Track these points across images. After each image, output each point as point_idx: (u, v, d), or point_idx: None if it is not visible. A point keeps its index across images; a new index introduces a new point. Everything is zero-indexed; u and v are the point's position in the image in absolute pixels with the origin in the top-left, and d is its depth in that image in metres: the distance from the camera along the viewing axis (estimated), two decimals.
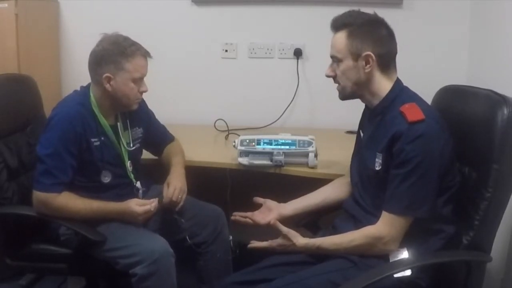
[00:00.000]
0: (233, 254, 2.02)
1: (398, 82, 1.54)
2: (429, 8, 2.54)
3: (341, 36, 1.51)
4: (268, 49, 2.70)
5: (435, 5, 2.54)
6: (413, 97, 1.51)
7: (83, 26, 2.76)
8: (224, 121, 2.50)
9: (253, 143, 1.97)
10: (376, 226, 1.46)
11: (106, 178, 1.82)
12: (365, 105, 1.64)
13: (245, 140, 1.98)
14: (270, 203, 1.81)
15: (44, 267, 1.89)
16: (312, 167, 1.94)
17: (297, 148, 1.94)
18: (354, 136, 2.47)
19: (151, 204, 1.76)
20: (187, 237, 1.91)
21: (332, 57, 1.56)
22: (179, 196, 1.84)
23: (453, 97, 1.64)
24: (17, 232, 1.86)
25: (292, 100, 2.69)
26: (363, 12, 1.53)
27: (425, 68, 2.54)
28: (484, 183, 1.41)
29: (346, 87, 1.55)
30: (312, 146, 1.93)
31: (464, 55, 2.52)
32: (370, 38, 1.48)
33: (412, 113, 1.42)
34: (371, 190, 1.56)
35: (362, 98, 1.58)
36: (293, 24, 2.67)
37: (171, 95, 2.72)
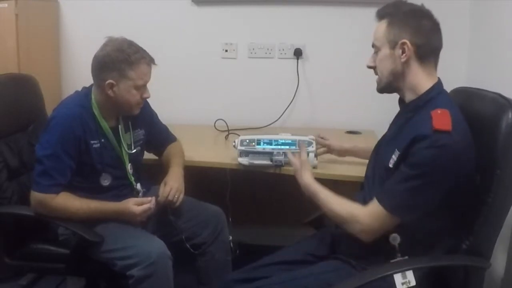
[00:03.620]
0: (232, 254, 2.02)
1: (438, 84, 1.49)
2: (429, 8, 2.52)
3: (382, 24, 1.49)
4: (268, 49, 2.70)
5: (435, 5, 2.52)
6: (449, 105, 1.42)
7: (83, 26, 2.77)
8: (224, 121, 2.50)
9: (253, 143, 1.96)
10: (363, 211, 1.44)
11: (106, 181, 1.81)
12: (399, 100, 1.58)
13: (245, 140, 1.98)
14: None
15: (43, 266, 1.89)
16: (312, 167, 1.94)
17: (297, 148, 1.94)
18: (354, 136, 2.49)
19: (148, 203, 1.76)
20: (184, 239, 1.90)
21: (373, 46, 1.54)
22: (175, 196, 1.84)
23: (462, 99, 1.60)
24: (16, 231, 1.86)
25: (292, 100, 2.69)
26: (409, 3, 1.51)
27: None
28: (485, 188, 1.38)
29: (382, 77, 1.51)
30: (312, 146, 1.93)
31: (464, 55, 2.52)
32: (409, 26, 1.44)
33: (441, 120, 1.35)
34: (378, 188, 1.51)
35: (399, 91, 1.53)
36: (293, 24, 2.67)
37: (171, 95, 2.71)
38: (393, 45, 1.46)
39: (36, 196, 1.70)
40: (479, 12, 2.41)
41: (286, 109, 2.70)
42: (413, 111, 1.47)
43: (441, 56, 2.52)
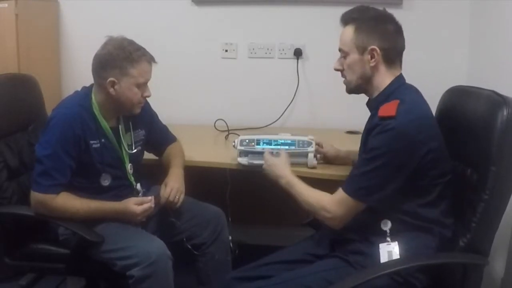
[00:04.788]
0: (232, 254, 2.02)
1: (398, 78, 1.55)
2: (429, 8, 2.54)
3: (349, 30, 1.54)
4: (268, 49, 2.70)
5: (435, 5, 2.54)
6: (404, 95, 1.49)
7: (83, 26, 2.77)
8: (224, 121, 2.50)
9: (253, 143, 1.96)
10: (330, 198, 1.51)
11: (106, 181, 1.81)
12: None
13: (245, 140, 1.97)
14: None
15: (43, 266, 1.89)
16: (312, 167, 1.94)
17: (297, 148, 1.94)
18: (354, 136, 2.48)
19: (149, 202, 1.76)
20: (184, 240, 1.91)
21: (340, 50, 1.58)
22: (176, 197, 1.84)
23: (457, 97, 1.63)
24: (16, 231, 1.86)
25: (292, 100, 2.69)
26: (372, 8, 1.56)
27: (425, 68, 2.54)
28: (482, 185, 1.40)
29: (351, 80, 1.57)
30: (312, 146, 1.93)
31: (464, 55, 2.52)
32: (376, 32, 1.50)
33: (385, 109, 1.45)
34: None
35: (366, 92, 1.59)
36: (293, 24, 2.67)
37: (171, 95, 2.71)
38: (362, 51, 1.52)
39: (36, 196, 1.70)
40: (479, 12, 2.42)
41: (286, 109, 2.70)
42: (375, 107, 1.54)
43: (442, 55, 2.56)
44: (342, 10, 1.59)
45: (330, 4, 2.56)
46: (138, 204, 1.76)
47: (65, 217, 1.72)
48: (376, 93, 1.56)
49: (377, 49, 1.50)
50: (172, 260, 1.71)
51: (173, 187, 1.84)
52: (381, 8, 1.57)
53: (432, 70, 2.53)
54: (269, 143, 1.96)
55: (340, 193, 1.49)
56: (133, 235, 1.75)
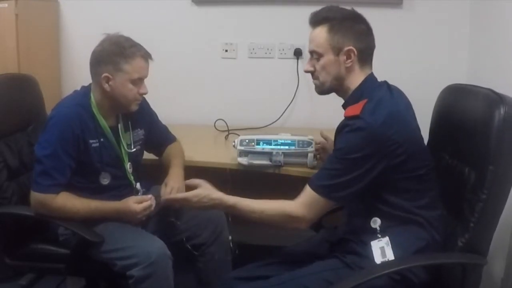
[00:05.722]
0: (232, 254, 2.02)
1: (369, 77, 1.54)
2: (429, 8, 2.54)
3: (322, 30, 1.52)
4: (268, 49, 2.70)
5: (435, 5, 2.54)
6: (373, 93, 1.48)
7: (83, 26, 2.77)
8: (224, 121, 2.50)
9: (253, 143, 1.96)
10: (294, 204, 1.49)
11: (105, 180, 1.81)
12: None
13: (245, 140, 1.98)
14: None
15: (43, 267, 1.89)
16: (312, 168, 1.94)
17: (297, 148, 1.94)
18: None
19: (149, 201, 1.76)
20: (184, 240, 1.91)
21: (312, 52, 1.56)
22: None
23: (455, 96, 1.63)
24: (16, 231, 1.86)
25: (292, 100, 2.69)
26: (341, 7, 1.55)
27: (425, 68, 2.54)
28: (480, 185, 1.40)
29: (325, 82, 1.55)
30: (312, 147, 1.93)
31: (464, 55, 2.52)
32: (351, 32, 1.49)
33: (350, 109, 1.46)
34: None
35: (338, 92, 1.58)
36: (293, 24, 2.66)
37: (171, 95, 2.72)
38: (337, 52, 1.50)
39: (36, 196, 1.70)
40: (479, 12, 2.42)
41: (286, 109, 2.70)
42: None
43: (442, 55, 2.56)
44: None
45: (330, 4, 2.56)
46: (138, 202, 1.76)
47: (65, 217, 1.72)
48: (348, 93, 1.55)
49: (354, 49, 1.49)
50: (172, 260, 1.71)
51: (173, 187, 1.84)
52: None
53: (432, 70, 2.53)
54: (268, 143, 1.97)
55: (306, 194, 1.48)
56: (133, 235, 1.75)
